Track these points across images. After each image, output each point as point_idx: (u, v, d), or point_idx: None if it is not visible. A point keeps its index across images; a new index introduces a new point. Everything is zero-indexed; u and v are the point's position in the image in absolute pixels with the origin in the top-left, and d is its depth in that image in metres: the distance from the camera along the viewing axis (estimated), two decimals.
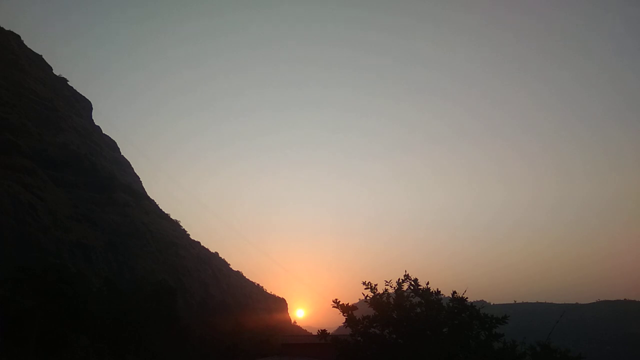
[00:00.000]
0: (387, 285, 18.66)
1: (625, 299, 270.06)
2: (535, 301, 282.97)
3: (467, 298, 17.60)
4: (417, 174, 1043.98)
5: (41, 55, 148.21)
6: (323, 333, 19.22)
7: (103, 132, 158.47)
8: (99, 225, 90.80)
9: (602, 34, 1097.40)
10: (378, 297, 18.38)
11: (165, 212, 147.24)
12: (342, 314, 18.34)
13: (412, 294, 18.32)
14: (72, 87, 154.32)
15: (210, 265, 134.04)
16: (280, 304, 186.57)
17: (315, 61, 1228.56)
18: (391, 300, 18.22)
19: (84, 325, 48.59)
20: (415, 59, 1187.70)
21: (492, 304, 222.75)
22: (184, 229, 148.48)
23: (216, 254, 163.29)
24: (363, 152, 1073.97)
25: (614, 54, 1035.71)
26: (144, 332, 58.14)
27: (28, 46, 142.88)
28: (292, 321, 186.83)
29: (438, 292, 18.11)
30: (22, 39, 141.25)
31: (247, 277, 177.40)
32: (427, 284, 18.43)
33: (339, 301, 18.47)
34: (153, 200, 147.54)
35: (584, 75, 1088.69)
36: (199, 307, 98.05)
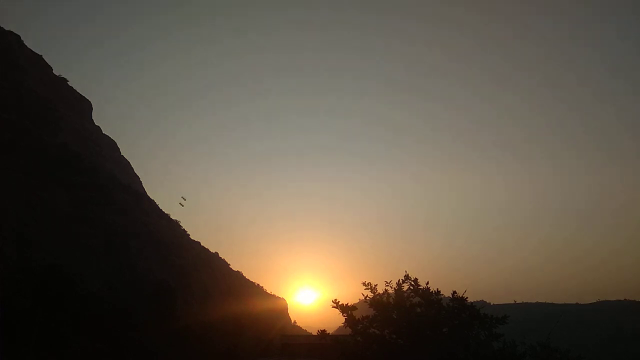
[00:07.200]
0: (387, 285, 18.68)
1: (625, 299, 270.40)
2: (535, 301, 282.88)
3: (467, 298, 17.61)
4: (417, 175, 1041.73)
5: (41, 55, 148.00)
6: (323, 333, 19.24)
7: (103, 132, 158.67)
8: (99, 225, 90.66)
9: None
10: (378, 297, 18.38)
11: (165, 212, 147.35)
12: (342, 314, 18.34)
13: (412, 294, 18.31)
14: (72, 87, 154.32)
15: (210, 265, 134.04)
16: (280, 304, 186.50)
17: (314, 68, 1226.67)
18: (391, 300, 18.22)
19: (84, 325, 48.62)
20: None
21: (492, 304, 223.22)
22: (184, 229, 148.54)
23: (216, 254, 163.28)
24: (364, 151, 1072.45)
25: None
26: (144, 332, 58.21)
27: (28, 46, 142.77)
28: (292, 321, 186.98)
29: (438, 292, 18.10)
30: (22, 39, 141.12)
31: (247, 277, 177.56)
32: (427, 284, 18.46)
33: (339, 301, 18.46)
34: (153, 200, 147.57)
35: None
36: (199, 307, 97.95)
